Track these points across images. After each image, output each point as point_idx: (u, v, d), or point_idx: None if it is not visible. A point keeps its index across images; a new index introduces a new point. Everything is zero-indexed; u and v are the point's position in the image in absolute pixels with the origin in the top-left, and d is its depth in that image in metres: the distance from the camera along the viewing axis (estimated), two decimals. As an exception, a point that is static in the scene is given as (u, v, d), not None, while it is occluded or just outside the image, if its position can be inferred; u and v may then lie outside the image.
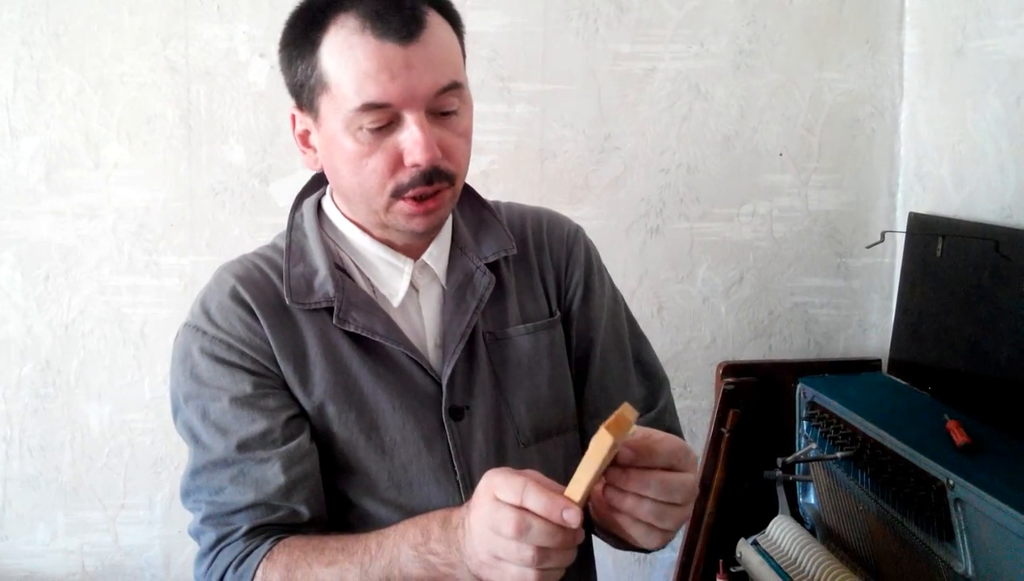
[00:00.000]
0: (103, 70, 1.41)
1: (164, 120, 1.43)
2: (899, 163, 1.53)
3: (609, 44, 1.48)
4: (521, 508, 0.61)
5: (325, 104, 0.75)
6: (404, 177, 0.75)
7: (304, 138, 0.81)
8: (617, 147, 1.50)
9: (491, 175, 1.48)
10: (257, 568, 0.73)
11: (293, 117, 0.81)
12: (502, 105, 1.47)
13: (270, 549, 0.74)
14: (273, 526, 0.76)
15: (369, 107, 0.72)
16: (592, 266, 0.92)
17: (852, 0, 1.51)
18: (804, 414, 1.17)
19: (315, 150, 0.81)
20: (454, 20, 0.78)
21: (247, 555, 0.74)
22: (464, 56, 0.79)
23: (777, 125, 1.52)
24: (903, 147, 1.52)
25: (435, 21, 0.75)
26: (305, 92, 0.77)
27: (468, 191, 0.90)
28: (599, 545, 0.85)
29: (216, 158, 1.45)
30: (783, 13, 1.50)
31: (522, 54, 1.46)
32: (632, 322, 0.95)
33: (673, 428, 0.92)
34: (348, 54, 0.72)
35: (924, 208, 1.43)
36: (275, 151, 1.46)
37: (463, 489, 0.80)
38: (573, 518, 0.60)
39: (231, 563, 0.74)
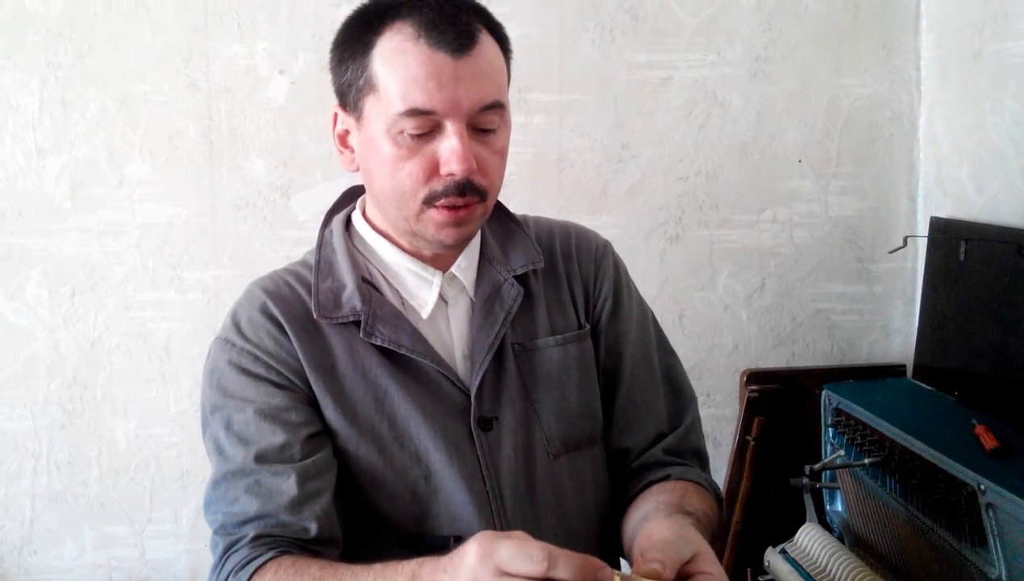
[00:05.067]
0: (126, 89, 1.44)
1: (186, 137, 1.45)
2: (919, 167, 1.53)
3: (625, 53, 1.49)
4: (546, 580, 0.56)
5: (370, 105, 0.77)
6: (438, 185, 0.76)
7: (343, 138, 0.83)
8: (635, 156, 1.51)
9: (509, 186, 1.47)
10: (252, 576, 0.73)
11: (335, 116, 0.83)
12: (519, 116, 1.48)
13: (266, 562, 0.74)
14: (280, 538, 0.76)
15: (413, 112, 0.74)
16: (621, 280, 0.93)
17: (867, 5, 1.51)
18: (830, 421, 1.16)
19: (352, 151, 0.82)
20: (504, 44, 0.80)
21: (248, 561, 0.74)
22: (509, 79, 0.81)
23: (795, 131, 1.52)
24: (922, 151, 1.52)
25: (487, 40, 0.77)
26: (352, 92, 0.78)
27: (496, 205, 0.91)
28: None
29: (238, 173, 1.47)
30: (798, 20, 1.50)
31: (538, 65, 1.47)
32: (661, 337, 0.95)
33: (698, 448, 0.92)
34: (400, 59, 0.74)
35: (945, 212, 1.43)
36: (295, 165, 1.47)
37: (492, 499, 0.81)
38: (608, 576, 0.57)
39: (233, 568, 0.75)
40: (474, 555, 0.58)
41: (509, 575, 0.56)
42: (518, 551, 0.56)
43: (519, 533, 0.60)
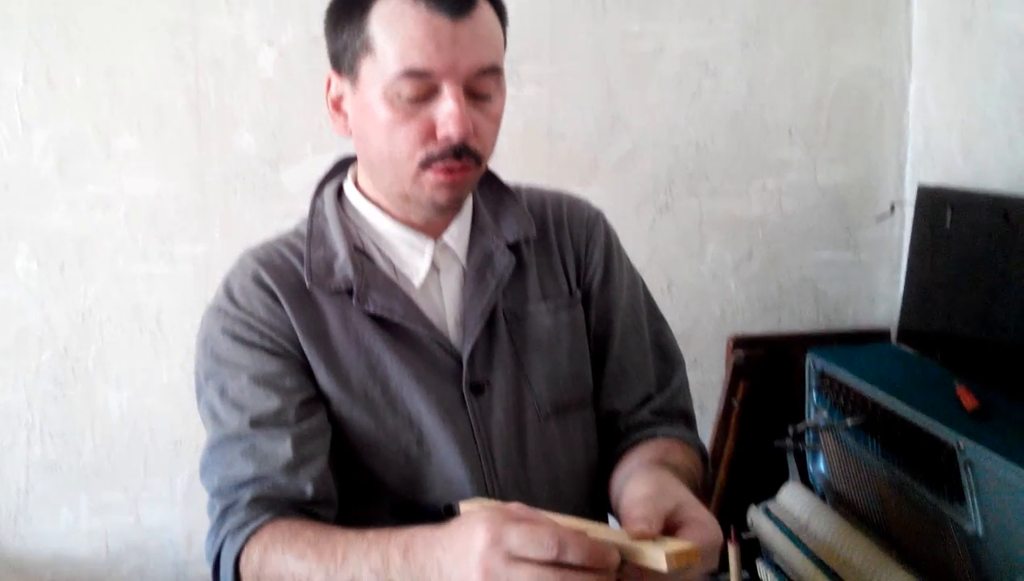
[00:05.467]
0: (112, 61, 1.42)
1: (174, 110, 1.45)
2: (908, 136, 1.54)
3: (617, 23, 1.48)
4: (555, 564, 0.56)
5: (366, 68, 0.77)
6: (435, 149, 0.77)
7: (336, 103, 0.83)
8: (626, 126, 1.51)
9: (500, 157, 1.46)
10: (249, 538, 0.75)
11: (328, 80, 0.83)
12: (510, 88, 1.43)
13: (263, 524, 0.75)
14: (276, 500, 0.77)
15: (411, 73, 0.74)
16: (612, 248, 0.94)
17: (859, -26, 1.51)
18: (814, 384, 1.18)
19: (346, 116, 0.82)
20: (500, 11, 0.81)
21: (245, 524, 0.76)
22: (505, 47, 0.81)
23: (786, 101, 1.52)
24: (911, 120, 1.53)
25: (484, 6, 0.77)
26: (347, 55, 0.78)
27: (488, 174, 0.93)
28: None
29: (227, 146, 1.46)
30: (790, -11, 1.50)
31: (529, 36, 1.47)
32: (651, 304, 0.97)
33: (685, 409, 0.94)
34: (398, 21, 0.74)
35: (933, 180, 1.44)
36: (285, 138, 1.47)
37: (484, 461, 0.83)
38: (615, 559, 0.57)
39: (231, 531, 0.76)
40: (482, 540, 0.58)
41: (519, 560, 0.56)
42: (528, 537, 0.56)
43: (517, 506, 0.61)
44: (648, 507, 0.64)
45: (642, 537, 0.60)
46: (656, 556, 0.57)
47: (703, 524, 0.63)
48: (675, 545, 0.58)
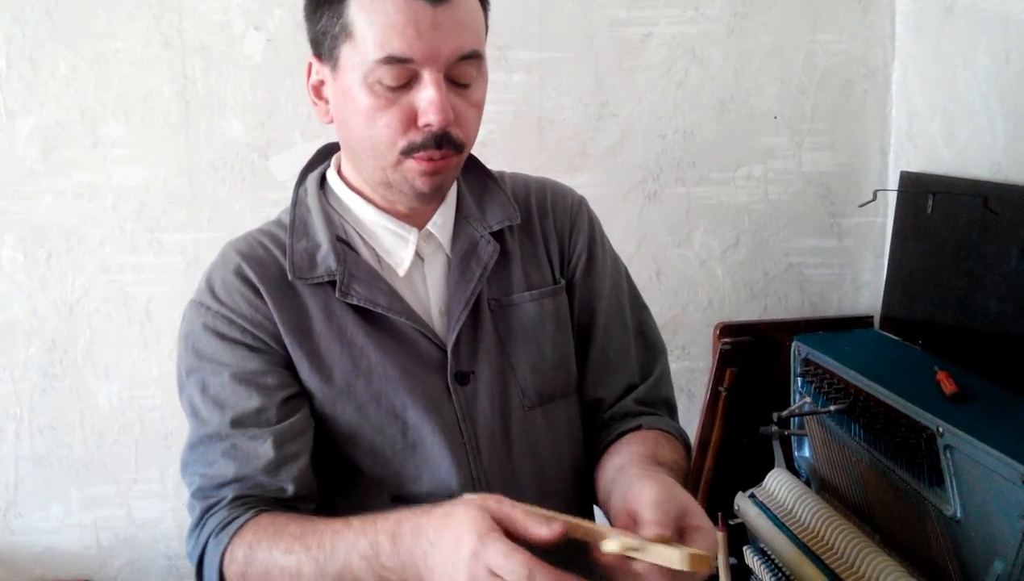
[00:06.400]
0: (97, 47, 1.41)
1: (160, 96, 1.43)
2: (891, 123, 1.55)
3: (606, 10, 1.48)
4: None
5: (346, 54, 0.76)
6: (416, 137, 0.76)
7: (317, 89, 0.82)
8: (614, 114, 1.51)
9: (490, 145, 1.49)
10: (232, 538, 0.75)
11: (309, 66, 0.82)
12: (500, 74, 1.47)
13: (246, 522, 0.76)
14: (258, 498, 0.78)
15: (391, 60, 0.73)
16: (595, 236, 0.94)
17: (844, -40, 1.51)
18: (799, 371, 1.20)
19: (327, 102, 0.81)
20: None
21: (228, 523, 0.76)
22: (487, 31, 0.80)
23: (772, 88, 1.53)
24: (895, 107, 1.54)
25: None
26: (327, 40, 0.77)
27: (473, 161, 0.91)
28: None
29: (214, 134, 1.45)
30: (776, -25, 1.50)
31: (519, 22, 1.46)
32: (634, 292, 0.97)
33: (667, 398, 0.94)
34: (378, 6, 0.73)
35: (915, 166, 1.45)
36: (273, 125, 1.46)
37: (469, 451, 0.83)
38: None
39: (214, 530, 0.76)
40: (469, 548, 0.61)
41: (497, 577, 0.60)
42: (504, 560, 0.59)
43: (499, 538, 0.61)
44: (660, 512, 0.65)
45: (660, 541, 0.63)
46: (671, 555, 0.60)
47: (706, 532, 0.65)
48: (691, 552, 0.61)
